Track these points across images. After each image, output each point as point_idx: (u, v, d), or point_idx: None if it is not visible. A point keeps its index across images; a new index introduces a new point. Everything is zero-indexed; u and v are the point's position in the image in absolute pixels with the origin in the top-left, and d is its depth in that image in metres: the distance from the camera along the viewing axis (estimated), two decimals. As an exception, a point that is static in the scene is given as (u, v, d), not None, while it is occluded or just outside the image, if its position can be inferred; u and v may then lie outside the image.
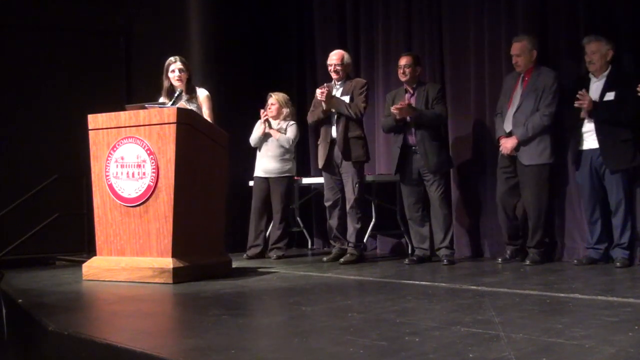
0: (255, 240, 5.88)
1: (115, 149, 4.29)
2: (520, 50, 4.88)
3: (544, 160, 4.80)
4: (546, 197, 4.84)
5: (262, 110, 5.85)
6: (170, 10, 7.29)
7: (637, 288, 3.55)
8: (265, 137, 5.84)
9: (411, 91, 5.19)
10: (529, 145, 4.80)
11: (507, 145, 4.88)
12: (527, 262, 4.76)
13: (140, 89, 7.12)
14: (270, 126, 5.83)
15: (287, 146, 5.84)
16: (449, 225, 5.16)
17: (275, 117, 5.89)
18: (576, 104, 4.57)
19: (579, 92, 4.55)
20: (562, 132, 5.05)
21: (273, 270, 4.86)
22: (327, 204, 5.45)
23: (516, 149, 4.85)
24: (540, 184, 4.80)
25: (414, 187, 5.19)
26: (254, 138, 5.88)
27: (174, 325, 3.01)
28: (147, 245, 4.16)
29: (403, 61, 5.19)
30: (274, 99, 5.90)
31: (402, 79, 5.19)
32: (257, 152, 5.91)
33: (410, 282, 4.00)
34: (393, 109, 5.01)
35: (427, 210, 5.21)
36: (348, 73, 5.41)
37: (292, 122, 5.90)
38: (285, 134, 5.81)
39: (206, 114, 4.96)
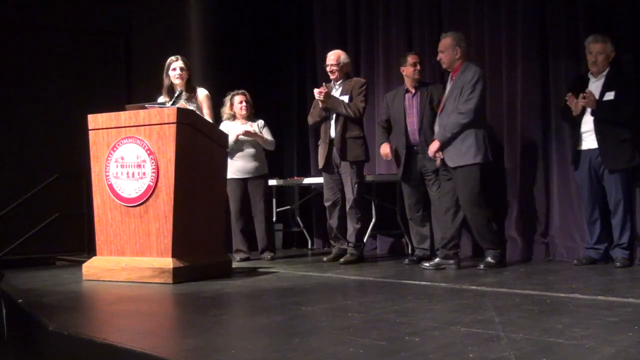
0: (242, 244, 5.74)
1: (115, 149, 4.29)
2: (443, 46, 4.70)
3: (469, 160, 4.49)
4: (481, 199, 4.53)
5: (250, 129, 5.62)
6: (170, 10, 7.30)
7: (637, 288, 3.54)
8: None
9: (412, 91, 5.15)
10: (453, 146, 4.55)
11: (430, 149, 4.71)
12: (481, 267, 4.54)
13: (140, 89, 7.12)
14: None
15: (273, 148, 5.81)
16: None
17: (247, 117, 5.75)
18: (582, 102, 4.55)
19: (586, 91, 4.53)
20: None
21: (273, 270, 4.86)
22: (326, 204, 5.45)
23: (442, 151, 4.64)
24: (469, 186, 4.51)
25: (415, 187, 5.18)
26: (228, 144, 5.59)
27: (174, 325, 3.01)
28: (147, 245, 4.16)
29: (416, 59, 5.10)
30: (245, 97, 5.73)
31: (417, 76, 5.10)
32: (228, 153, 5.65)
33: (410, 282, 4.00)
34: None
35: (428, 211, 5.21)
36: (347, 73, 5.39)
37: (261, 122, 5.79)
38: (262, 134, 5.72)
39: (206, 113, 4.96)
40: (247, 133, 5.59)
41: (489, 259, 4.61)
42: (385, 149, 5.24)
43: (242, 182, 5.71)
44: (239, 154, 5.69)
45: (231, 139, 5.53)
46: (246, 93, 5.79)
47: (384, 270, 4.81)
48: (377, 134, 5.54)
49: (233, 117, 5.77)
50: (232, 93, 5.80)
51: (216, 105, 5.20)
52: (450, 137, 4.55)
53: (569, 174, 5.03)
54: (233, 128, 5.67)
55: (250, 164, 5.71)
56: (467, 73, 4.59)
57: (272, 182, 6.52)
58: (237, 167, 5.68)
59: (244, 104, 5.73)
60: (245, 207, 5.75)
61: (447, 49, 4.68)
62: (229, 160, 5.56)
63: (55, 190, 6.98)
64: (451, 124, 4.54)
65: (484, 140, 4.55)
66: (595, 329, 2.44)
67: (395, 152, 5.24)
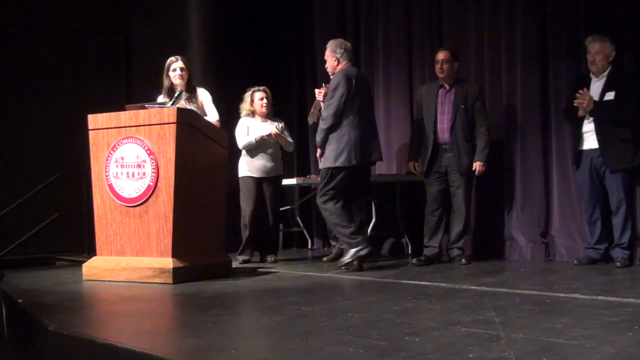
0: (250, 245, 5.54)
1: (115, 149, 4.29)
2: (325, 55, 4.83)
3: (330, 164, 4.60)
4: (330, 197, 4.58)
5: (274, 132, 5.43)
6: (170, 10, 7.30)
7: (637, 288, 3.54)
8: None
9: (447, 87, 5.11)
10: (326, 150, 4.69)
11: (318, 154, 4.87)
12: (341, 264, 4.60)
13: (140, 89, 7.12)
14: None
15: (292, 150, 5.73)
16: (468, 225, 5.12)
17: (267, 114, 5.56)
18: (575, 103, 4.57)
19: (579, 91, 4.54)
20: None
21: (273, 270, 4.86)
22: (327, 204, 5.43)
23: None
24: (329, 186, 4.60)
25: (437, 185, 5.09)
26: (249, 144, 5.42)
27: (174, 325, 3.01)
28: (147, 245, 4.16)
29: (441, 56, 5.07)
30: (266, 94, 5.53)
31: (440, 75, 5.09)
32: (246, 151, 5.48)
33: (410, 282, 4.00)
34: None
35: (444, 210, 5.13)
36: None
37: (282, 122, 5.65)
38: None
39: (210, 110, 4.96)
40: (276, 136, 5.44)
41: (351, 252, 4.53)
42: (412, 167, 5.35)
43: (259, 181, 5.50)
44: (260, 154, 5.47)
45: (255, 138, 5.40)
46: (267, 90, 5.58)
47: (384, 270, 4.80)
48: (409, 146, 5.48)
49: (252, 113, 5.56)
50: (253, 89, 5.58)
51: (216, 106, 5.17)
52: (320, 142, 4.71)
53: (569, 174, 5.03)
54: (255, 126, 5.50)
55: (270, 164, 5.50)
56: (333, 79, 4.70)
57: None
58: (257, 166, 5.48)
59: (264, 100, 5.52)
60: (258, 207, 5.52)
61: (327, 58, 4.83)
62: (248, 159, 5.46)
63: (55, 190, 6.98)
64: (318, 130, 4.72)
65: (347, 144, 4.56)
66: (595, 329, 2.44)
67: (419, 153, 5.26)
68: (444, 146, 5.05)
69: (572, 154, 4.85)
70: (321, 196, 4.64)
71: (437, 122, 5.07)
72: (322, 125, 4.66)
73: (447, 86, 5.11)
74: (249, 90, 5.61)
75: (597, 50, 4.58)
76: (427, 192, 5.19)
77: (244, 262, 5.48)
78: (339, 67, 4.74)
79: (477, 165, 4.99)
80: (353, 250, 4.53)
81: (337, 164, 4.57)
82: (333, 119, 4.59)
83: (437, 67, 5.09)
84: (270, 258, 5.57)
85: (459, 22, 5.83)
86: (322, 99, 5.18)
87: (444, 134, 5.05)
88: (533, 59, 5.25)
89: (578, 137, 4.72)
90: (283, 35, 7.54)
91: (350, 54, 4.81)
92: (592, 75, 4.67)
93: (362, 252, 4.52)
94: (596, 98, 4.56)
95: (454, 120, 5.01)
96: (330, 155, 4.62)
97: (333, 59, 4.76)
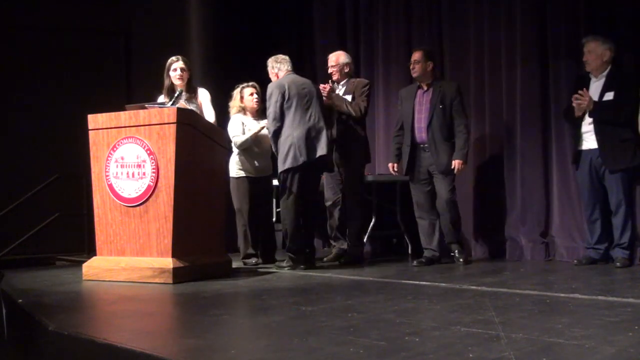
0: (253, 248, 5.40)
1: (115, 149, 4.29)
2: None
3: (281, 168, 4.82)
4: (289, 203, 4.79)
5: (265, 125, 5.22)
6: (170, 10, 7.30)
7: (637, 288, 3.54)
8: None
9: (424, 87, 5.09)
10: None
11: None
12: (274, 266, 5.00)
13: (140, 89, 7.12)
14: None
15: None
16: (457, 223, 5.09)
17: (258, 110, 5.41)
18: (574, 103, 4.56)
19: (579, 91, 4.54)
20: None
21: (273, 270, 4.86)
22: (327, 203, 5.44)
23: None
24: (283, 190, 4.85)
25: (422, 186, 5.08)
26: (247, 142, 5.25)
27: (174, 325, 3.01)
28: (147, 245, 4.16)
29: (414, 56, 5.08)
30: (255, 89, 5.41)
31: (413, 75, 5.10)
32: (240, 150, 5.33)
33: (410, 282, 4.00)
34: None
35: (436, 210, 5.14)
36: (349, 73, 5.38)
37: None
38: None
39: (208, 111, 4.95)
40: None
41: (283, 263, 4.97)
42: (390, 168, 5.35)
43: (253, 181, 5.36)
44: (252, 153, 5.34)
45: (250, 136, 5.26)
46: (256, 85, 5.47)
47: (384, 270, 4.80)
48: (392, 147, 5.46)
49: (243, 110, 5.42)
50: (242, 85, 5.47)
51: (215, 106, 5.16)
52: (275, 151, 4.94)
53: (569, 174, 5.03)
54: (250, 124, 5.36)
55: (262, 163, 5.39)
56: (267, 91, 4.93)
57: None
58: (251, 165, 5.34)
59: (255, 96, 5.40)
60: (255, 207, 5.37)
61: (269, 74, 5.07)
62: (241, 158, 5.34)
63: (55, 190, 6.98)
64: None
65: (291, 145, 4.76)
66: (595, 329, 2.45)
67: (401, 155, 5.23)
68: (422, 146, 5.04)
69: (572, 154, 4.85)
70: (282, 201, 4.89)
71: (415, 121, 5.06)
72: (268, 133, 4.91)
73: (424, 86, 5.10)
74: (238, 86, 5.50)
75: (590, 49, 4.59)
76: (413, 197, 5.16)
77: (257, 264, 5.30)
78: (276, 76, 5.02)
79: (456, 164, 4.93)
80: (286, 263, 4.93)
81: (286, 165, 4.77)
82: (273, 124, 4.83)
83: (411, 67, 5.11)
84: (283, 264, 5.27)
85: (458, 23, 5.83)
86: (326, 95, 5.18)
87: (421, 134, 5.03)
88: (533, 59, 5.25)
89: (578, 137, 4.72)
90: (283, 35, 7.54)
91: (287, 63, 5.03)
92: (591, 76, 4.67)
93: (285, 268, 4.89)
94: (595, 98, 4.55)
95: (430, 119, 4.98)
96: (280, 160, 4.83)
97: (273, 75, 5.04)
